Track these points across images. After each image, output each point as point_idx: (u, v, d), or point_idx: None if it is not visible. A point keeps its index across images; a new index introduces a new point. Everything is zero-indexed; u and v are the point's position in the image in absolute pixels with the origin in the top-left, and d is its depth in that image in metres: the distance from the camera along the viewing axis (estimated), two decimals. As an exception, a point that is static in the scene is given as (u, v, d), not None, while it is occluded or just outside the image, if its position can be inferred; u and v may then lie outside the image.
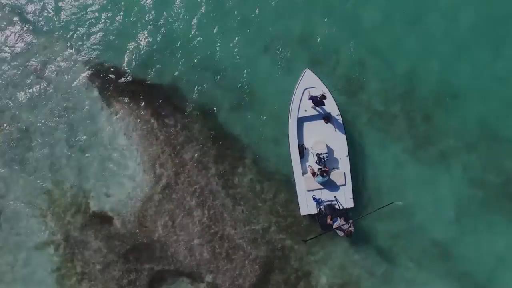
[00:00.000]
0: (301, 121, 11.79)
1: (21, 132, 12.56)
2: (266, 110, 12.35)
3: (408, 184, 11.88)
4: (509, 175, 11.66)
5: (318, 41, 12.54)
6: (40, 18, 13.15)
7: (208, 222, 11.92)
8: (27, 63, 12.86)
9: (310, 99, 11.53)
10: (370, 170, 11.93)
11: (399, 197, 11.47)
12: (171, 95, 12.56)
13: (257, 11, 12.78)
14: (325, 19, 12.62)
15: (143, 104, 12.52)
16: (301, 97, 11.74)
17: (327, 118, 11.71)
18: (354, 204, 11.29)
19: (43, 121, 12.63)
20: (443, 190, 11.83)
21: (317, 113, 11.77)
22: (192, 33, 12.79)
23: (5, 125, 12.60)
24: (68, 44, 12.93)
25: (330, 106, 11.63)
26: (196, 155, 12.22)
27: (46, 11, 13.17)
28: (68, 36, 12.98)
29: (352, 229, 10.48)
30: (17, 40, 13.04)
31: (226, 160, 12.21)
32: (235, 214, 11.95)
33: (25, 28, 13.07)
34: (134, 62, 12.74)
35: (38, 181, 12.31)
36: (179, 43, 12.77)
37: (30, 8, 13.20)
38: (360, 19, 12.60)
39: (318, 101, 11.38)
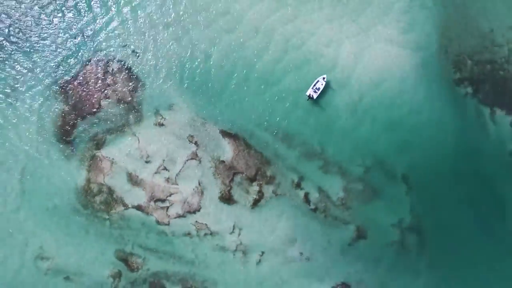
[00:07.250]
0: (317, 81, 53.72)
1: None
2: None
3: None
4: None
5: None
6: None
7: (249, 162, 52.57)
8: (185, 134, 54.14)
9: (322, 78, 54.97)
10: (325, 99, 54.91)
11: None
12: (243, 137, 54.74)
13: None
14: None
15: (229, 140, 54.63)
16: (318, 79, 53.88)
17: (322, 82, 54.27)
18: (315, 99, 53.87)
19: (199, 151, 53.72)
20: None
21: (321, 81, 54.35)
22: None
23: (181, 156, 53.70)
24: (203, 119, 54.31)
25: (323, 81, 54.20)
26: (243, 152, 53.99)
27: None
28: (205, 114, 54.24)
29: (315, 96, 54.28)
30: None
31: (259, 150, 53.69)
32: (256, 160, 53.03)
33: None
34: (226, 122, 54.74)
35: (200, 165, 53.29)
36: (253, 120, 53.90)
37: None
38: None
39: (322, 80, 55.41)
